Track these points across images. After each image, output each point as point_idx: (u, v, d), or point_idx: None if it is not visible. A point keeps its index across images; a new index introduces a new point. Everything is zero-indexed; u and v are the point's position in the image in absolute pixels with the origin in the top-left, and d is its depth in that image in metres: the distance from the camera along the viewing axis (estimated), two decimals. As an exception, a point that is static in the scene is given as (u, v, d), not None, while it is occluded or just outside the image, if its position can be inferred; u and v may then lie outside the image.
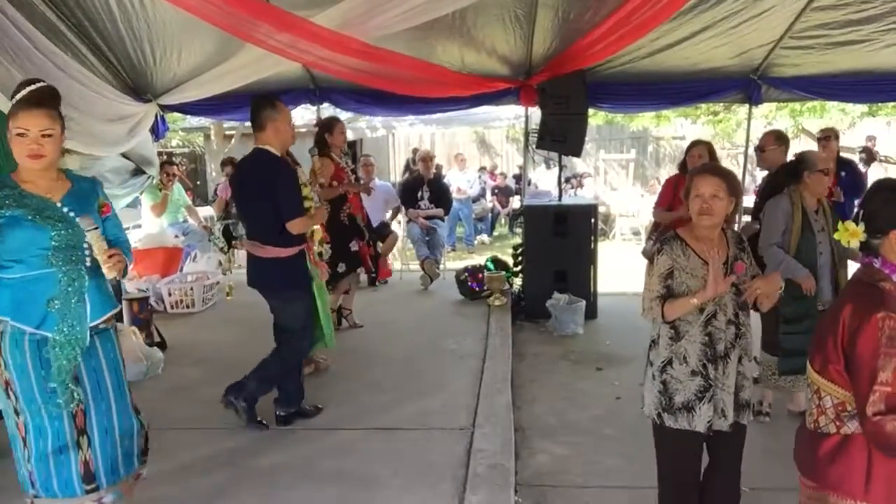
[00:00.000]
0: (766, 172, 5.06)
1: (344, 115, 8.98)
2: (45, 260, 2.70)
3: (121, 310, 3.10)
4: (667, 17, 5.21)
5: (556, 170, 7.96)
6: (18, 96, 2.71)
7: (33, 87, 2.74)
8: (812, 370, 2.20)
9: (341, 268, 5.70)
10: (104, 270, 2.79)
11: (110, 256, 2.74)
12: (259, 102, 4.02)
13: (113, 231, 2.95)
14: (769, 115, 12.97)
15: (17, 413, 2.75)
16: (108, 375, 2.92)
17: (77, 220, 2.73)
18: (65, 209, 2.76)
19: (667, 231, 5.48)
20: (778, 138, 5.00)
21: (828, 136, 6.42)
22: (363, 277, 6.65)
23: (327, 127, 5.69)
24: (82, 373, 2.80)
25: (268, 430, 4.13)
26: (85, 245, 2.78)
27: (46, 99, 2.73)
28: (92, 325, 2.81)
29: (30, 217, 2.67)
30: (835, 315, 2.12)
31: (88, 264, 2.80)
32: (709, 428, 2.70)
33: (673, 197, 5.29)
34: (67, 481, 2.77)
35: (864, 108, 12.22)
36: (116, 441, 2.91)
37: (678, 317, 2.67)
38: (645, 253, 5.66)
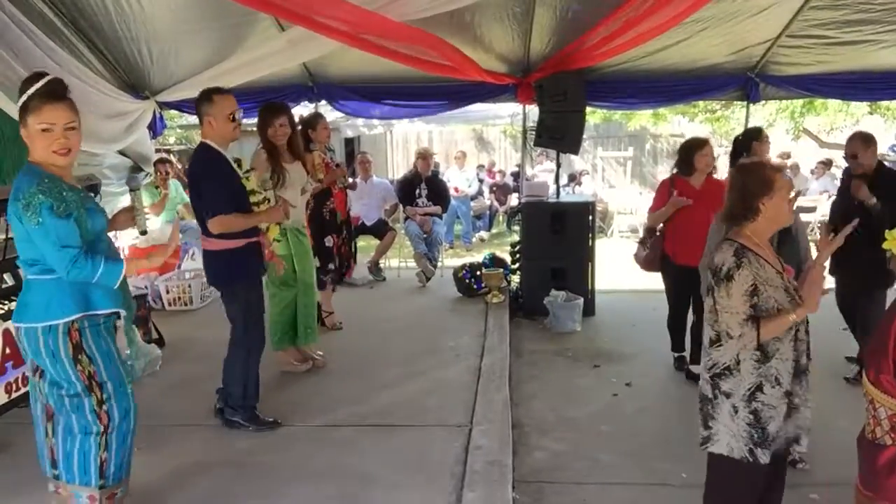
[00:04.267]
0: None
1: (342, 114, 8.98)
2: (107, 246, 2.82)
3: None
4: (668, 29, 5.21)
5: (558, 162, 7.94)
6: (34, 89, 2.62)
7: (48, 78, 2.67)
8: (867, 380, 2.16)
9: (315, 262, 5.71)
10: (140, 224, 3.08)
11: (146, 213, 3.06)
12: (199, 96, 3.93)
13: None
14: (770, 117, 12.94)
15: (100, 404, 2.80)
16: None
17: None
18: (96, 198, 2.85)
19: (654, 239, 5.07)
20: (865, 140, 4.62)
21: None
22: (363, 275, 6.63)
23: (310, 123, 5.69)
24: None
25: (280, 425, 4.11)
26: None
27: (64, 91, 2.68)
28: None
29: (94, 207, 2.75)
30: (887, 324, 2.09)
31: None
32: (786, 448, 2.52)
33: (669, 199, 4.86)
34: (129, 460, 2.93)
35: (866, 106, 12.22)
36: None
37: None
38: (637, 259, 5.26)
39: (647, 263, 5.17)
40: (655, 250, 5.04)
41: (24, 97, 2.64)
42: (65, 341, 2.70)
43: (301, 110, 8.63)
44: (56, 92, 2.65)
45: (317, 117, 5.82)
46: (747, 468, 2.44)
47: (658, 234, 5.11)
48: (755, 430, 2.42)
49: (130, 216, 3.10)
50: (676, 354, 5.19)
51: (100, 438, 2.81)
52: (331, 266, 5.89)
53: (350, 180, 6.59)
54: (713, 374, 2.50)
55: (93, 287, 2.72)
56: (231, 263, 3.95)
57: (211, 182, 3.85)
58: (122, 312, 2.87)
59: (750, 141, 5.28)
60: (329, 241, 5.79)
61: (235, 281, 4.01)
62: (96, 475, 2.82)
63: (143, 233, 3.25)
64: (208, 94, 3.87)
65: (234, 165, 3.93)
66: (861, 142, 4.59)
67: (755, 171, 2.51)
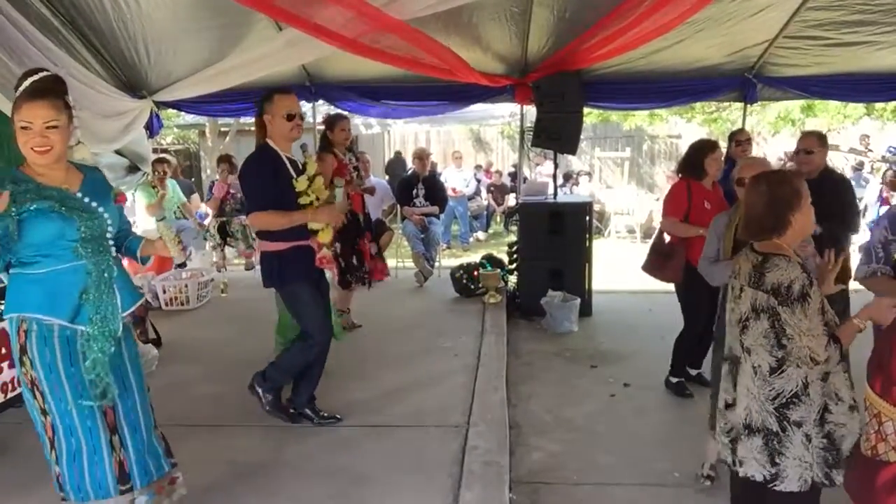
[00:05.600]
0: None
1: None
2: (73, 252, 2.66)
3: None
4: (667, 31, 5.21)
5: (555, 163, 7.94)
6: (21, 88, 2.61)
7: (35, 77, 2.64)
8: (872, 392, 2.07)
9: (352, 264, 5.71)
10: (175, 254, 2.89)
11: (178, 242, 2.85)
12: (262, 95, 3.95)
13: (123, 218, 2.99)
14: (774, 124, 12.94)
15: (44, 413, 2.69)
16: (131, 371, 2.91)
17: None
18: (86, 199, 2.72)
19: (673, 247, 4.64)
20: (821, 140, 4.51)
21: (748, 140, 5.82)
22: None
23: (328, 124, 5.69)
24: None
25: (290, 420, 4.12)
26: (108, 235, 2.78)
27: (50, 89, 2.63)
28: (122, 315, 2.80)
29: (55, 209, 2.61)
30: (891, 332, 2.03)
31: (114, 254, 2.81)
32: None
33: (689, 205, 4.53)
34: (101, 481, 2.72)
35: (863, 108, 12.25)
36: (145, 439, 2.90)
37: None
38: (651, 269, 4.87)
39: (671, 273, 4.72)
40: (679, 259, 4.59)
41: (15, 96, 2.63)
42: (16, 338, 2.67)
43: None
44: (39, 90, 2.60)
45: (335, 118, 5.74)
46: (813, 494, 2.33)
47: (672, 242, 4.72)
48: (830, 452, 2.29)
49: (164, 247, 3.02)
50: (676, 380, 4.78)
51: (51, 451, 2.71)
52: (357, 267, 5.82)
53: (367, 183, 6.55)
54: (779, 405, 2.32)
55: (36, 289, 2.63)
56: (274, 266, 3.93)
57: (253, 179, 3.86)
58: (81, 329, 2.68)
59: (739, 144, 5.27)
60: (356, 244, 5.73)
61: (278, 284, 4.00)
62: (56, 485, 2.75)
63: (182, 265, 3.20)
64: (269, 94, 3.90)
65: (290, 167, 3.86)
66: (818, 140, 4.52)
67: (785, 182, 2.37)
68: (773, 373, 2.31)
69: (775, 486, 2.33)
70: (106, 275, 2.74)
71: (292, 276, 3.94)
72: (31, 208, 2.57)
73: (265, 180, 3.82)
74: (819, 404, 2.28)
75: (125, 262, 3.09)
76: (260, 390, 4.10)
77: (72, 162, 2.84)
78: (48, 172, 2.67)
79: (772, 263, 2.30)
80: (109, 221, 2.78)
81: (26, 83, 2.62)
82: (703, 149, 4.62)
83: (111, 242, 2.80)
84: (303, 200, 3.87)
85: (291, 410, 4.19)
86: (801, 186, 2.35)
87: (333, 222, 4.05)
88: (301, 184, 3.87)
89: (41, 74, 2.67)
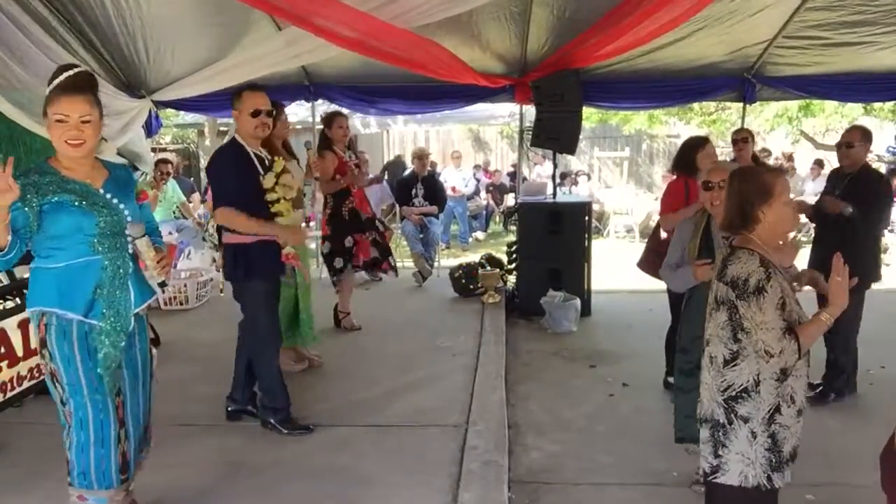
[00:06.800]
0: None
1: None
2: (90, 246, 2.69)
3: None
4: (668, 31, 5.21)
5: (555, 163, 7.93)
6: (56, 81, 2.67)
7: (72, 72, 2.71)
8: None
9: (338, 263, 5.70)
10: (155, 274, 2.90)
11: (159, 261, 2.85)
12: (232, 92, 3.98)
13: (147, 216, 3.02)
14: (767, 123, 12.95)
15: (63, 403, 2.78)
16: (140, 364, 2.98)
17: (128, 223, 2.77)
18: (108, 196, 2.76)
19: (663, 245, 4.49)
20: (865, 134, 4.51)
21: (745, 139, 5.69)
22: (358, 275, 6.54)
23: (326, 122, 5.72)
24: (122, 362, 2.85)
25: (311, 431, 4.05)
26: (126, 231, 2.81)
27: (85, 84, 2.71)
28: (134, 312, 2.84)
29: (76, 203, 2.65)
30: None
31: (131, 251, 2.84)
32: None
33: (687, 201, 4.46)
34: (105, 473, 2.80)
35: (860, 108, 12.24)
36: (141, 428, 3.00)
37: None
38: (648, 268, 4.85)
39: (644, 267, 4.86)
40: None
41: (48, 89, 2.67)
42: (37, 331, 2.76)
43: (297, 109, 8.62)
44: (76, 84, 2.66)
45: (333, 116, 5.78)
46: (760, 496, 2.30)
47: (669, 240, 4.70)
48: (773, 454, 2.28)
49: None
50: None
51: (66, 438, 2.79)
52: (348, 264, 5.78)
53: (369, 176, 6.52)
54: (728, 398, 2.33)
55: (52, 283, 2.68)
56: (239, 260, 3.89)
57: (222, 171, 3.87)
58: (95, 323, 2.72)
59: (735, 143, 5.22)
60: (349, 242, 5.71)
61: (242, 277, 3.94)
62: (67, 470, 2.83)
63: (163, 284, 3.17)
64: (239, 90, 3.92)
65: (258, 163, 3.85)
66: (861, 133, 4.51)
67: (752, 178, 2.35)
68: (727, 365, 2.33)
69: (716, 478, 2.34)
70: (121, 271, 2.78)
71: (257, 272, 3.91)
72: (53, 200, 2.63)
73: (232, 176, 3.83)
74: (770, 404, 2.28)
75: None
76: (272, 420, 4.04)
77: (99, 159, 2.90)
78: (75, 167, 2.72)
79: (735, 257, 2.31)
80: (129, 218, 2.81)
81: (61, 77, 2.68)
82: (693, 145, 4.61)
83: (129, 239, 2.83)
84: (269, 197, 3.88)
85: (229, 409, 4.18)
86: (773, 182, 2.30)
87: (297, 243, 4.04)
88: (268, 181, 3.88)
89: (77, 70, 2.74)
